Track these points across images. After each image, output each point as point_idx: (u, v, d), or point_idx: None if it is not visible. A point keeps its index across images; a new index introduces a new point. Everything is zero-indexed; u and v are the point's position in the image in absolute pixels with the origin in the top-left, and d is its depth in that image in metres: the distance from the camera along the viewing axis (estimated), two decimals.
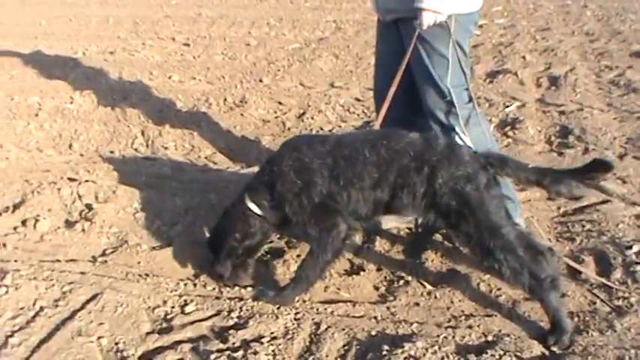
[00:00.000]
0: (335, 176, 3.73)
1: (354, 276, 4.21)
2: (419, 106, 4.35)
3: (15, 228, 4.86)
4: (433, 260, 4.26)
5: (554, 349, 3.41)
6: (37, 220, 4.87)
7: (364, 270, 4.27)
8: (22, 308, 3.94)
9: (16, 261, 4.46)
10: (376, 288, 4.07)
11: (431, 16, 3.93)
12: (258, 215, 4.01)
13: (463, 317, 3.69)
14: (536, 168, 3.75)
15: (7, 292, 4.07)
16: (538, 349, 3.37)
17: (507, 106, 7.03)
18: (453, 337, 3.49)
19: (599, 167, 3.54)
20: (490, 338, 3.47)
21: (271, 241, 4.51)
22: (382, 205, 3.75)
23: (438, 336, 3.49)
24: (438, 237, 4.49)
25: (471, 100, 4.27)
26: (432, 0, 3.87)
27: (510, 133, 6.28)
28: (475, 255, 3.68)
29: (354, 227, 3.86)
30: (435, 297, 3.90)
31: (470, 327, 3.58)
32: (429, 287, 3.99)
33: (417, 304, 3.85)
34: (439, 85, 4.12)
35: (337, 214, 3.76)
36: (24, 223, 4.90)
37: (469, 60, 4.28)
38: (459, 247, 4.10)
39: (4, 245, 4.64)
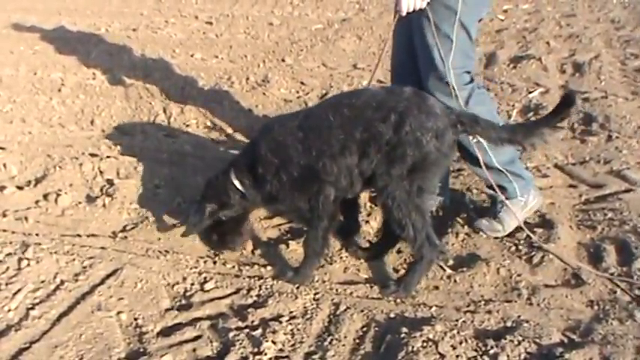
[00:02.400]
0: (308, 149, 3.71)
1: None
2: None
3: (37, 202, 4.91)
4: (453, 244, 4.24)
5: (388, 294, 3.73)
6: (58, 195, 4.91)
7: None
8: (42, 281, 3.99)
9: (37, 234, 4.52)
10: (396, 270, 4.05)
11: (411, 2, 3.87)
12: (240, 192, 4.04)
13: (482, 302, 3.67)
14: (506, 126, 3.78)
15: (28, 264, 4.12)
16: (557, 336, 3.34)
17: (531, 92, 6.96)
18: (472, 321, 3.48)
19: (564, 105, 3.58)
20: (509, 324, 3.46)
21: (290, 221, 4.51)
22: (358, 168, 3.65)
23: (457, 320, 3.48)
24: (459, 221, 4.46)
25: (472, 80, 4.20)
26: None
27: (533, 119, 6.22)
28: (384, 203, 3.63)
29: (343, 189, 3.80)
30: (455, 281, 3.88)
31: (489, 312, 3.57)
32: (448, 271, 3.97)
33: (437, 288, 3.84)
34: (439, 66, 4.03)
35: (320, 180, 3.73)
36: (45, 197, 4.95)
37: (474, 44, 4.20)
38: (374, 190, 4.05)
39: (26, 219, 4.68)
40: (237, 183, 4.02)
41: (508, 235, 4.27)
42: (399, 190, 3.53)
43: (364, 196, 4.65)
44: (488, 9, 4.27)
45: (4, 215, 4.76)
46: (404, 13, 3.91)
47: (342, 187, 3.74)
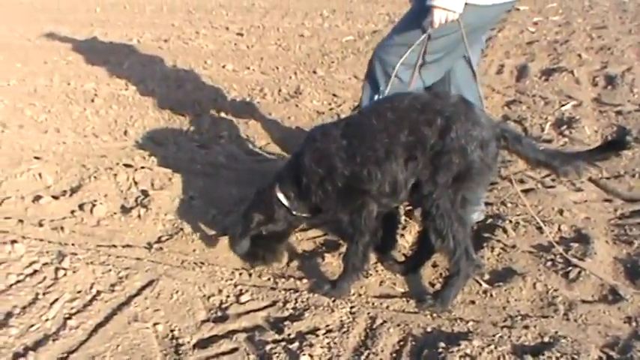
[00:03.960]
0: (352, 156, 3.66)
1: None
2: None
3: (72, 212, 4.95)
4: (489, 258, 4.21)
5: (425, 308, 3.71)
6: (93, 205, 4.94)
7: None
8: (79, 291, 4.01)
9: (73, 244, 4.54)
10: (432, 284, 4.03)
11: (442, 14, 3.87)
12: (284, 206, 4.03)
13: (519, 317, 3.63)
14: (546, 149, 3.73)
15: (65, 274, 4.15)
16: (595, 353, 3.30)
17: (563, 105, 6.93)
18: (509, 336, 3.44)
19: (614, 146, 3.54)
20: (546, 339, 3.42)
21: (326, 234, 4.51)
22: (403, 174, 3.59)
23: (494, 335, 3.45)
24: (496, 235, 4.44)
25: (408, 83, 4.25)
26: None
27: (566, 133, 6.18)
28: (428, 212, 3.60)
29: (386, 204, 3.80)
30: (491, 295, 3.85)
31: (526, 327, 3.53)
32: (484, 285, 3.94)
33: (473, 302, 3.81)
34: (399, 49, 4.12)
35: (364, 194, 3.69)
36: (81, 207, 4.99)
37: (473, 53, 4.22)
38: (414, 201, 4.01)
39: (62, 228, 4.72)
40: (281, 197, 4.01)
41: (544, 250, 4.23)
42: (443, 198, 3.50)
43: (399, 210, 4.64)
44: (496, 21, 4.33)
45: (41, 225, 4.80)
46: (436, 26, 3.91)
47: (386, 196, 3.70)
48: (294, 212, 4.04)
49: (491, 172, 3.66)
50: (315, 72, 8.47)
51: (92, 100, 7.74)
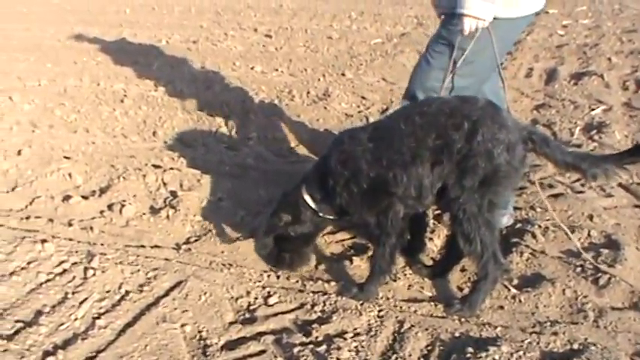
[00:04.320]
0: (378, 159, 3.65)
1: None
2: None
3: (101, 212, 4.99)
4: (518, 263, 4.18)
5: (453, 313, 3.70)
6: (122, 206, 4.97)
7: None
8: (108, 291, 4.04)
9: (102, 244, 4.57)
10: (460, 289, 4.02)
11: (472, 22, 3.86)
12: (311, 207, 4.03)
13: (548, 323, 3.60)
14: (574, 152, 3.70)
15: (94, 274, 4.18)
16: None
17: (593, 109, 6.88)
18: (538, 343, 3.41)
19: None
20: (576, 347, 3.38)
21: (354, 237, 4.50)
22: (429, 178, 3.58)
23: (523, 341, 3.42)
24: (525, 240, 4.40)
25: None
26: (475, 5, 3.80)
27: (596, 137, 6.13)
28: (455, 216, 3.57)
29: (412, 206, 3.77)
30: (520, 301, 3.81)
31: (555, 334, 3.49)
32: (513, 291, 3.91)
33: (501, 308, 3.78)
34: (437, 73, 4.12)
35: (390, 196, 3.68)
36: (110, 207, 5.02)
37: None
38: (443, 205, 3.90)
39: (91, 228, 4.75)
40: (308, 198, 4.02)
41: (574, 255, 4.20)
42: (470, 202, 3.48)
43: (427, 214, 4.63)
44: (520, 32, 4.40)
45: (70, 224, 4.83)
46: (466, 34, 3.90)
47: (412, 199, 3.68)
48: (320, 214, 4.05)
49: (519, 176, 3.63)
50: (343, 74, 8.46)
51: (121, 101, 7.80)
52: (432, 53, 4.19)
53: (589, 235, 4.40)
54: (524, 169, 3.72)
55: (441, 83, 4.10)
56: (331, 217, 4.09)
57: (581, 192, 4.99)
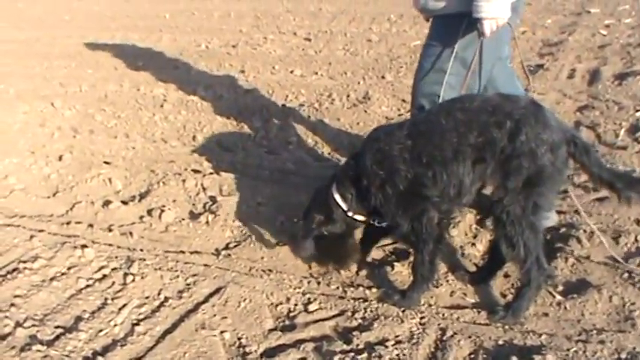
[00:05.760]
0: (417, 156, 3.56)
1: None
2: None
3: (141, 217, 4.99)
4: (562, 269, 4.09)
5: (496, 320, 3.63)
6: (162, 211, 4.97)
7: None
8: (147, 297, 4.05)
9: (142, 250, 4.58)
10: (503, 295, 3.93)
11: (492, 23, 3.78)
12: (340, 207, 3.97)
13: (594, 331, 3.51)
14: (612, 169, 3.63)
15: (133, 280, 4.19)
16: None
17: (638, 111, 6.75)
18: (584, 352, 3.33)
19: None
20: (623, 356, 3.30)
21: (395, 242, 4.43)
22: (470, 176, 3.52)
23: (568, 350, 3.35)
24: (570, 245, 4.30)
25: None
26: (493, 8, 3.72)
27: None
28: (499, 218, 3.49)
29: (447, 210, 3.72)
30: (565, 308, 3.73)
31: (601, 342, 3.41)
32: (558, 297, 3.82)
33: (546, 315, 3.70)
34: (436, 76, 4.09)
35: (424, 201, 3.60)
36: (149, 212, 5.02)
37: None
38: (484, 209, 3.85)
39: (131, 234, 4.76)
40: (338, 198, 3.96)
41: (621, 262, 4.09)
42: (514, 204, 3.40)
43: (470, 219, 4.56)
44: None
45: (110, 230, 4.84)
46: (489, 35, 3.83)
47: (448, 201, 3.61)
48: (349, 214, 3.99)
49: (562, 177, 3.57)
50: (383, 77, 8.39)
51: (161, 106, 7.82)
52: (426, 58, 4.18)
53: (636, 240, 4.29)
54: (568, 170, 3.64)
55: (439, 86, 4.06)
56: (361, 219, 4.03)
57: None
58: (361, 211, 3.97)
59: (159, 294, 4.07)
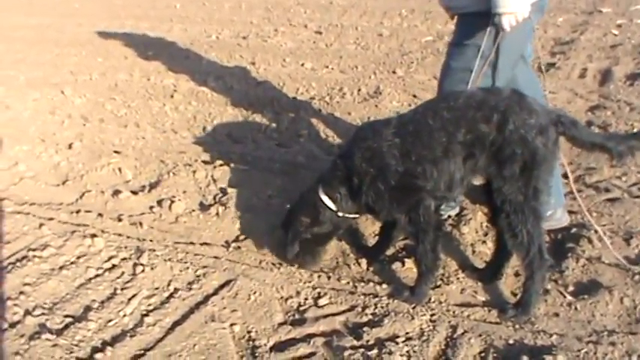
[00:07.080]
0: (406, 154, 3.60)
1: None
2: None
3: (151, 208, 4.99)
4: (574, 269, 4.07)
5: (507, 318, 3.62)
6: (172, 202, 4.97)
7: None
8: (157, 288, 4.05)
9: (151, 240, 4.58)
10: (513, 294, 3.92)
11: (512, 18, 3.76)
12: (329, 208, 3.97)
13: (605, 332, 3.49)
14: (601, 133, 3.66)
15: (143, 270, 4.20)
16: None
17: None
18: (595, 352, 3.32)
19: None
20: (634, 358, 3.28)
21: (405, 238, 4.42)
22: (460, 171, 3.57)
23: (579, 350, 3.34)
24: (581, 245, 4.28)
25: None
26: (511, 2, 3.70)
27: (632, 132, 5.98)
28: (501, 209, 3.53)
29: (442, 198, 3.77)
30: (576, 308, 3.71)
31: (612, 344, 3.39)
32: (569, 298, 3.81)
33: (557, 315, 3.68)
34: (463, 75, 4.05)
35: (419, 190, 3.63)
36: (159, 203, 5.02)
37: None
38: (489, 197, 3.76)
39: (141, 224, 4.76)
40: (325, 199, 3.97)
41: (632, 262, 4.07)
42: (514, 191, 3.45)
43: (480, 216, 4.54)
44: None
45: (119, 220, 4.84)
46: (508, 29, 3.81)
47: (440, 192, 3.66)
48: (339, 214, 4.00)
49: (555, 158, 3.60)
50: (394, 72, 8.36)
51: (171, 96, 7.81)
52: (452, 56, 4.19)
53: None
54: (558, 152, 3.65)
55: (465, 85, 4.04)
56: (353, 216, 4.06)
57: (638, 196, 4.85)
58: (351, 210, 4.00)
59: (168, 285, 4.07)
